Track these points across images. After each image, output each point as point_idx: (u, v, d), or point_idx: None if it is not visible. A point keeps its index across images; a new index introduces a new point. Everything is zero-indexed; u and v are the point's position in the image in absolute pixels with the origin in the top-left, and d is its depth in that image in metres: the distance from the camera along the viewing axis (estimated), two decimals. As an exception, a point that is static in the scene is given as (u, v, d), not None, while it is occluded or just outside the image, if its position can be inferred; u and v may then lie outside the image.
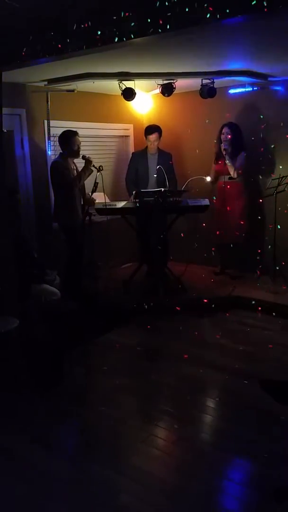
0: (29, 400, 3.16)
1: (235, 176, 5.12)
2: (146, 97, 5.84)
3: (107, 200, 4.86)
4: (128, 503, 2.24)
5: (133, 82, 4.57)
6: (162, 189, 4.76)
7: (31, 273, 4.02)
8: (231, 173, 5.11)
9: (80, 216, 4.69)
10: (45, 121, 5.04)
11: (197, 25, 2.59)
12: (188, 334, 4.21)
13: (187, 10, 2.55)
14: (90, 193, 4.72)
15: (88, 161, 4.60)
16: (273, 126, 5.10)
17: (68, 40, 3.08)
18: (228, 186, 5.20)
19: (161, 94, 4.80)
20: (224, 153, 5.08)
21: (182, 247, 5.11)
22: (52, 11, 3.09)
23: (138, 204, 4.80)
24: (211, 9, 2.47)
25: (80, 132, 4.76)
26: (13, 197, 4.07)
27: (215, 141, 5.29)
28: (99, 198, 4.82)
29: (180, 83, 4.73)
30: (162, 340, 4.17)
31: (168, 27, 2.66)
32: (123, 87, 4.62)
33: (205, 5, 2.48)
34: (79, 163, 4.75)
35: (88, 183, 4.80)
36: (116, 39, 2.87)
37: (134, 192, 4.98)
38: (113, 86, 4.71)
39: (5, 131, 4.05)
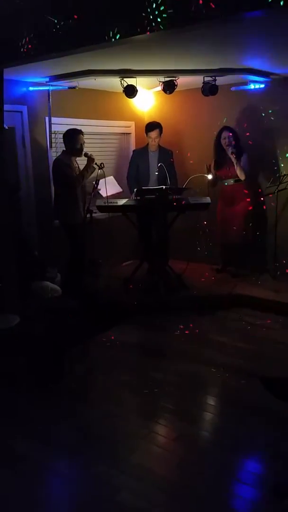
0: (29, 397, 3.17)
1: (243, 178, 5.07)
2: (147, 94, 5.82)
3: (116, 186, 4.83)
4: (128, 500, 2.24)
5: (134, 79, 4.56)
6: (164, 187, 4.75)
7: (32, 270, 4.03)
8: (240, 176, 5.06)
9: (81, 214, 4.69)
10: (47, 118, 5.03)
11: (199, 23, 2.58)
12: (189, 331, 4.21)
13: (189, 7, 2.54)
14: (91, 191, 4.71)
15: (90, 159, 4.59)
16: (276, 123, 5.08)
17: (69, 37, 3.08)
18: (233, 188, 5.17)
19: (162, 92, 4.78)
20: (233, 156, 5.02)
21: (183, 245, 5.11)
22: (53, 8, 3.08)
23: (139, 202, 4.80)
24: (213, 6, 2.46)
25: (81, 129, 4.75)
26: (14, 194, 4.08)
27: (213, 146, 5.22)
28: (110, 183, 4.79)
29: (182, 81, 4.71)
30: (162, 337, 4.18)
31: (170, 24, 2.65)
32: (125, 84, 4.61)
33: (208, 2, 2.47)
34: (81, 160, 4.74)
35: (89, 181, 4.80)
36: (117, 36, 2.86)
37: (135, 189, 4.98)
38: (115, 83, 4.70)
39: (6, 128, 4.05)
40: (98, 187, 4.72)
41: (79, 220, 4.67)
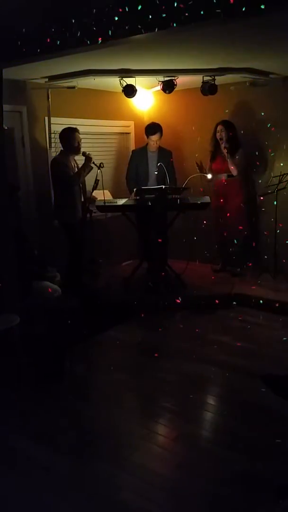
0: (30, 397, 3.17)
1: (235, 173, 5.11)
2: (147, 94, 5.82)
3: (109, 198, 4.86)
4: (128, 499, 2.25)
5: (134, 79, 4.56)
6: (163, 187, 4.75)
7: (31, 270, 4.02)
8: (232, 171, 5.10)
9: (80, 213, 4.69)
10: (46, 118, 5.03)
11: (199, 22, 2.58)
12: (189, 331, 4.21)
13: (188, 7, 2.54)
14: (91, 191, 4.72)
15: (88, 158, 4.59)
16: (274, 123, 5.09)
17: (68, 37, 3.08)
18: (227, 184, 5.20)
19: (162, 91, 4.78)
20: (225, 151, 5.06)
21: (183, 244, 5.11)
22: (53, 7, 3.08)
23: (138, 202, 4.80)
24: (211, 6, 2.46)
25: (81, 129, 4.76)
26: (14, 194, 4.08)
27: (210, 140, 5.27)
28: (100, 196, 4.82)
29: (181, 80, 4.71)
30: (162, 337, 4.18)
31: (169, 24, 2.65)
32: (124, 84, 4.61)
33: (206, 2, 2.47)
34: (81, 160, 4.74)
35: (89, 180, 4.80)
36: (117, 36, 2.87)
37: (134, 189, 4.98)
38: (114, 83, 4.69)
39: (5, 128, 4.05)
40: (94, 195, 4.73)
41: (77, 219, 4.67)
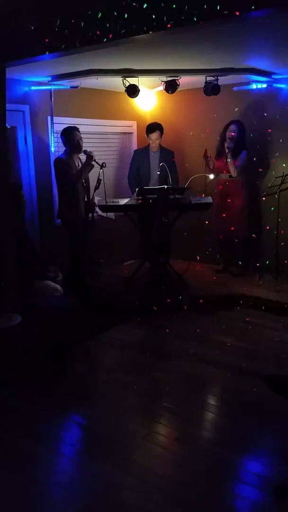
0: (30, 396, 3.17)
1: (235, 175, 5.11)
2: (149, 94, 5.82)
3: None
4: (129, 499, 2.24)
5: (137, 78, 4.56)
6: (165, 187, 4.75)
7: (33, 269, 4.03)
8: (232, 171, 5.10)
9: (83, 213, 4.69)
10: (49, 118, 5.04)
11: (202, 22, 2.58)
12: (190, 331, 4.21)
13: (191, 6, 2.54)
14: (93, 191, 4.70)
15: (89, 156, 4.59)
16: (277, 123, 5.08)
17: (71, 36, 3.07)
18: (229, 184, 5.19)
19: (164, 91, 4.79)
20: (227, 151, 5.07)
21: (185, 244, 5.11)
22: (55, 7, 3.08)
23: (140, 202, 4.79)
24: (215, 6, 2.46)
25: (83, 128, 4.76)
26: (16, 193, 4.08)
27: (218, 138, 5.27)
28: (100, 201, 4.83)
29: (184, 80, 4.71)
30: (163, 337, 4.18)
31: (172, 24, 2.65)
32: (127, 84, 4.61)
33: (210, 2, 2.47)
34: (84, 159, 4.73)
35: (93, 180, 4.80)
36: (120, 36, 2.86)
37: (137, 189, 4.98)
38: (117, 83, 4.69)
39: (8, 127, 4.05)
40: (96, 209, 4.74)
41: (79, 219, 4.67)
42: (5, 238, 3.68)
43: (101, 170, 4.60)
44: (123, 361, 3.71)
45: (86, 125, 5.04)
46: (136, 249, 5.78)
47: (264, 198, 5.22)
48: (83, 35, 3.02)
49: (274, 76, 4.84)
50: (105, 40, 2.92)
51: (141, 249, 5.57)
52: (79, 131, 4.65)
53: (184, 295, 4.80)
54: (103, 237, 5.10)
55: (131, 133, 6.21)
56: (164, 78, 4.65)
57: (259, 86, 4.97)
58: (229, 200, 5.20)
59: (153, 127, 5.15)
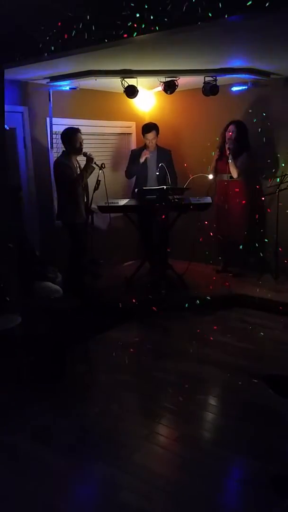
0: (31, 397, 3.18)
1: (236, 176, 5.10)
2: (148, 94, 5.82)
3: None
4: (129, 500, 2.24)
5: (135, 79, 4.56)
6: (164, 187, 4.75)
7: (33, 270, 4.03)
8: (232, 173, 5.09)
9: (83, 214, 4.69)
10: (48, 119, 5.04)
11: (200, 23, 2.59)
12: (190, 331, 4.21)
13: (189, 7, 2.55)
14: (93, 191, 4.70)
15: (89, 159, 4.59)
16: (276, 123, 5.08)
17: (70, 37, 3.08)
18: (229, 185, 5.19)
19: (163, 92, 4.79)
20: (227, 152, 5.05)
21: (184, 245, 5.11)
22: (54, 8, 3.09)
23: (140, 202, 4.80)
24: (213, 6, 2.46)
25: (82, 129, 4.75)
26: (16, 194, 4.08)
27: (218, 138, 5.27)
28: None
29: (183, 81, 4.71)
30: (164, 337, 4.18)
31: (171, 24, 2.66)
32: (126, 85, 4.61)
33: (208, 2, 2.47)
34: (83, 160, 4.74)
35: (91, 180, 4.80)
36: (118, 37, 2.87)
37: (136, 190, 4.97)
38: (116, 84, 4.70)
39: (7, 128, 4.06)
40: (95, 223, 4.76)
41: (80, 220, 4.67)
42: (5, 239, 3.69)
43: (100, 171, 4.60)
44: (123, 361, 3.71)
45: (85, 126, 5.03)
46: (136, 249, 5.78)
47: (263, 198, 5.23)
48: (82, 37, 3.03)
49: (272, 76, 4.84)
50: (103, 41, 2.94)
51: (141, 250, 5.56)
52: (81, 133, 4.64)
53: (184, 295, 4.80)
54: (103, 238, 5.10)
55: (130, 133, 6.21)
56: (163, 79, 4.65)
57: (258, 86, 4.97)
58: (230, 201, 5.20)
59: (149, 127, 5.16)
